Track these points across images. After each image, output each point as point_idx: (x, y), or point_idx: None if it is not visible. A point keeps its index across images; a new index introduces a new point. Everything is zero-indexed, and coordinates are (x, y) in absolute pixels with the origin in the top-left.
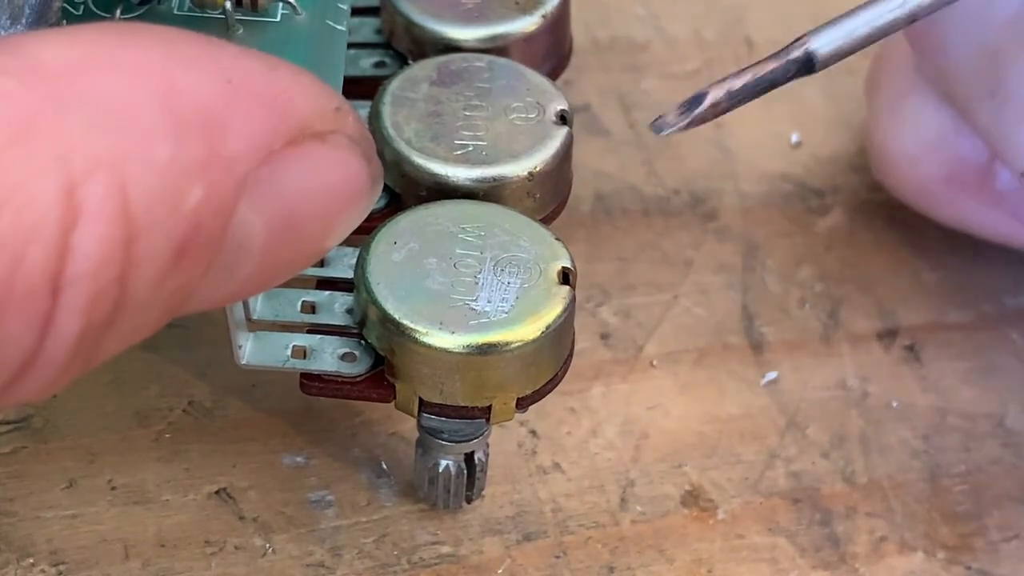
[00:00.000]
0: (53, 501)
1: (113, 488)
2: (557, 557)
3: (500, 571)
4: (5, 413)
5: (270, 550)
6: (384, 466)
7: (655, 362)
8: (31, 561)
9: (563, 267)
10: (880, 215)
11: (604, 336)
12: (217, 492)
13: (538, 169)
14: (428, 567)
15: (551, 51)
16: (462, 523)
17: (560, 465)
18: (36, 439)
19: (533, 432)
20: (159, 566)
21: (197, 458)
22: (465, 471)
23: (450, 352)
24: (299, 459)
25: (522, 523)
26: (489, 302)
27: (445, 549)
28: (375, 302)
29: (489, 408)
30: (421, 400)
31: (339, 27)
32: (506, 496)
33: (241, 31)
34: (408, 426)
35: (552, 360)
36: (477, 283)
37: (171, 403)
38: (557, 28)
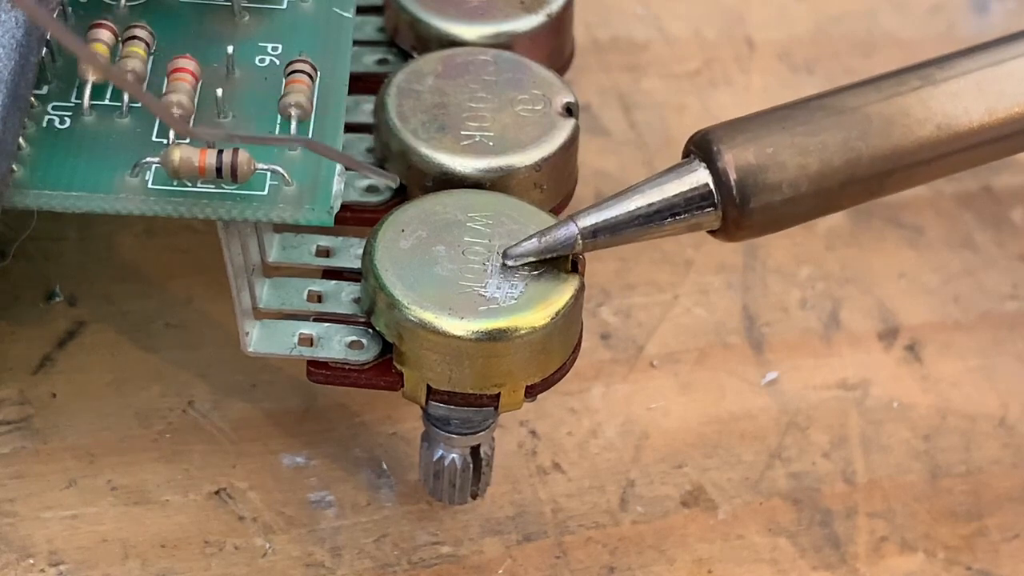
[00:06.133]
0: (53, 501)
1: (113, 488)
2: (557, 557)
3: (500, 571)
4: (5, 413)
5: (270, 550)
6: (384, 466)
7: (655, 362)
8: (31, 561)
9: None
10: (880, 215)
11: (604, 336)
12: (217, 492)
13: (546, 160)
14: (428, 567)
15: (555, 51)
16: (462, 523)
17: (560, 465)
18: (36, 439)
19: (533, 432)
20: (159, 566)
21: (197, 458)
22: (471, 465)
23: (459, 338)
24: (299, 459)
25: (522, 523)
26: (498, 289)
27: (445, 549)
28: (383, 288)
29: (498, 396)
30: (429, 388)
31: (346, 14)
32: (506, 496)
33: (247, 18)
34: (408, 426)
35: (561, 348)
36: (486, 270)
37: (171, 403)
38: (561, 28)
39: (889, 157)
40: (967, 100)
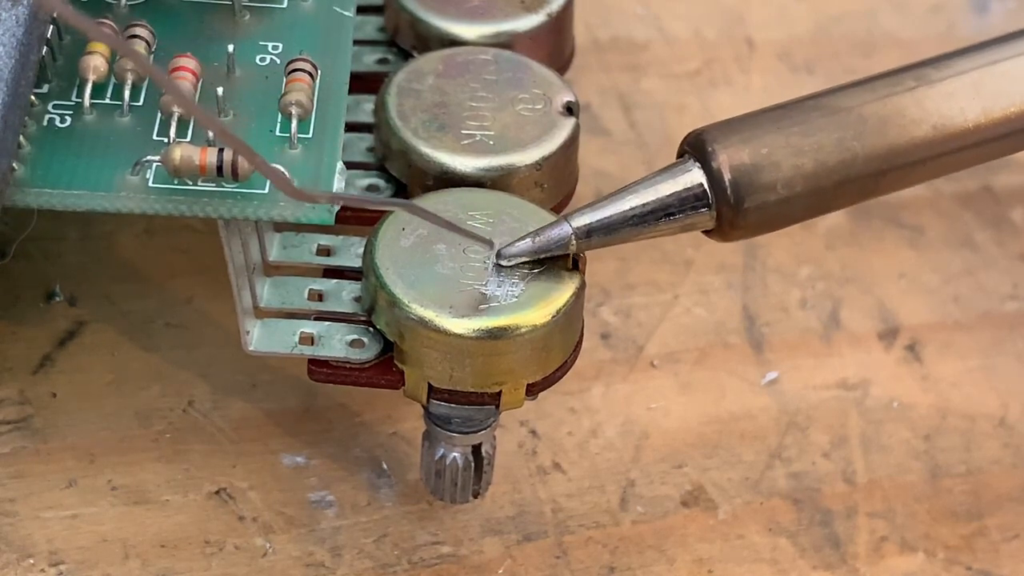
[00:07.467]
0: (53, 501)
1: (113, 488)
2: (557, 557)
3: (500, 571)
4: (5, 413)
5: (270, 550)
6: (384, 466)
7: (655, 362)
8: (31, 561)
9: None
10: (880, 215)
11: (604, 336)
12: (217, 492)
13: (546, 158)
14: (428, 567)
15: (555, 51)
16: (462, 523)
17: (560, 465)
18: (36, 439)
19: (533, 432)
20: (159, 566)
21: (197, 458)
22: (472, 464)
23: (460, 336)
24: (299, 459)
25: (522, 523)
26: (499, 287)
27: (445, 549)
28: (384, 287)
29: (499, 394)
30: (430, 386)
31: (346, 13)
32: (506, 496)
33: (248, 17)
34: (408, 426)
35: (562, 346)
36: (487, 268)
37: (171, 403)
38: (561, 28)
39: (884, 157)
40: (963, 100)
